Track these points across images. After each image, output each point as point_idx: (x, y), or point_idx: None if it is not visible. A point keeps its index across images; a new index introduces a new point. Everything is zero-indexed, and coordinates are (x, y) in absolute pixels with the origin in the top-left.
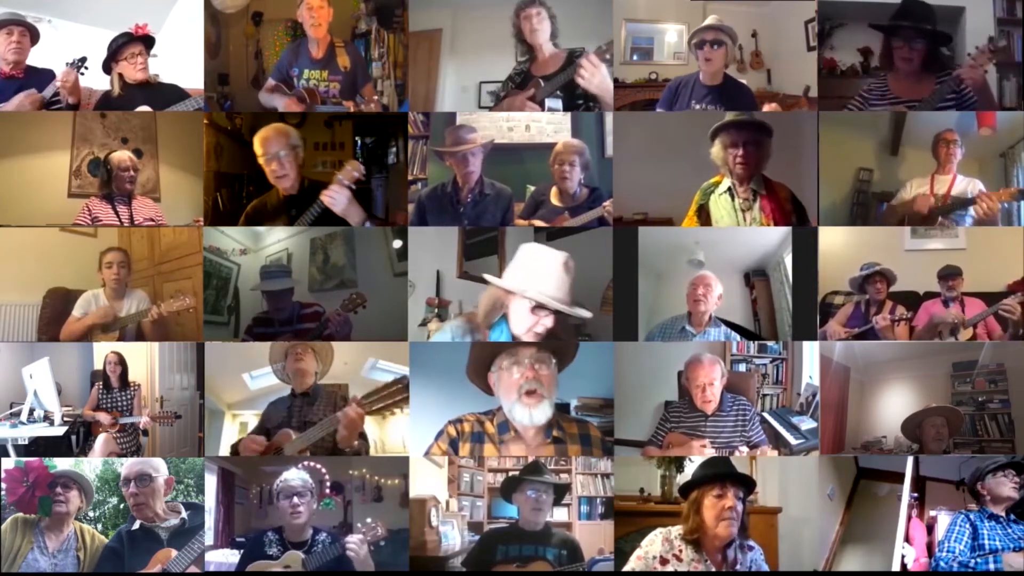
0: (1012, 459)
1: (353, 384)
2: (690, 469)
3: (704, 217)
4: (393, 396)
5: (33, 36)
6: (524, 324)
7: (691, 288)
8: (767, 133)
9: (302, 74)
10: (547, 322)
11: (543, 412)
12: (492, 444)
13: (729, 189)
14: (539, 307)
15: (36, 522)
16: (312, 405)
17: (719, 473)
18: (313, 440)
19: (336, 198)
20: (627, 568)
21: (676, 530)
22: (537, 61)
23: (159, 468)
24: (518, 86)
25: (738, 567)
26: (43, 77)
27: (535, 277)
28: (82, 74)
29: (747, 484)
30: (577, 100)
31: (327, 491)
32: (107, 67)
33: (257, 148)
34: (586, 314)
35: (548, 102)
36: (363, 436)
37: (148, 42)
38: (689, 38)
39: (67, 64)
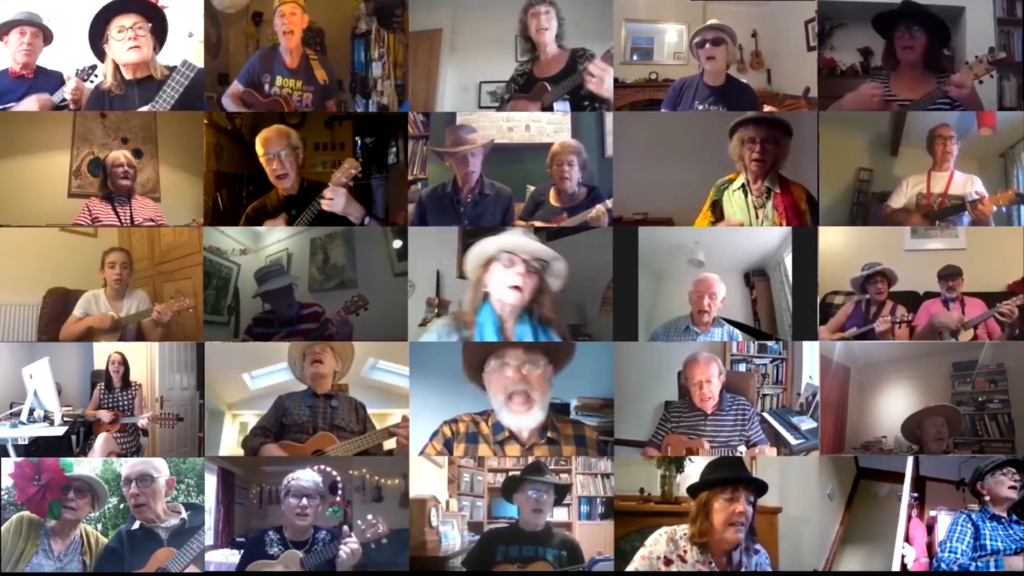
0: (1011, 458)
1: (353, 384)
2: (693, 468)
3: (718, 213)
4: None
5: (46, 37)
6: (501, 282)
7: (695, 295)
8: (786, 131)
9: (275, 81)
10: (519, 268)
11: (533, 418)
12: (487, 444)
13: (743, 186)
14: (511, 258)
15: (42, 523)
16: (337, 409)
17: (730, 477)
18: (353, 452)
19: (334, 200)
20: (631, 568)
21: (681, 530)
22: (540, 61)
23: (160, 468)
24: (521, 88)
25: (743, 570)
26: (52, 79)
27: (499, 241)
28: (91, 83)
29: (759, 487)
30: (583, 102)
31: (337, 499)
32: (98, 51)
33: (259, 148)
34: (556, 256)
35: (555, 105)
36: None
37: (151, 14)
38: (690, 39)
39: (76, 72)
